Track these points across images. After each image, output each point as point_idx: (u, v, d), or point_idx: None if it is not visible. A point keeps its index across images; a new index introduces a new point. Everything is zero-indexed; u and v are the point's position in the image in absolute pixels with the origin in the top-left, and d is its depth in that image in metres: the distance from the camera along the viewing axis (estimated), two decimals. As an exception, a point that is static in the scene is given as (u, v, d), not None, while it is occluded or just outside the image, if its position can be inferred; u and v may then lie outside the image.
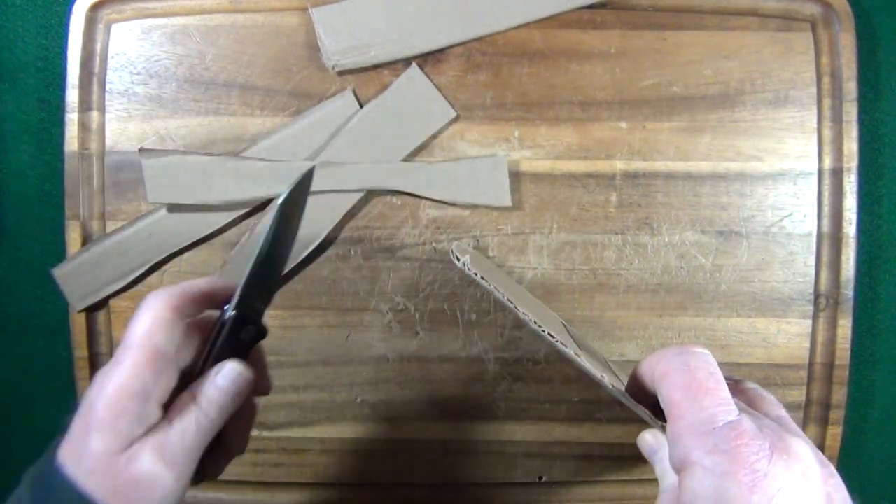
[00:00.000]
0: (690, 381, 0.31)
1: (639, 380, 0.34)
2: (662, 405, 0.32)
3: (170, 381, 0.33)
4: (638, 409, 0.34)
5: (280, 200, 0.36)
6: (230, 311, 0.35)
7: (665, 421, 0.32)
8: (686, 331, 0.52)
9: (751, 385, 0.37)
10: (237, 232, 0.51)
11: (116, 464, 0.31)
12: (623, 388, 0.36)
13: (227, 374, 0.34)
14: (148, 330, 0.33)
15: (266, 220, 0.41)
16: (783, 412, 0.34)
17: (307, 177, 0.38)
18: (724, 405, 0.30)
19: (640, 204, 0.51)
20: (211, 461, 0.35)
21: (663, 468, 0.34)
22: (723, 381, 0.31)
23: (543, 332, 0.38)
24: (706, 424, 0.29)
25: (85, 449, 0.31)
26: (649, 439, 0.37)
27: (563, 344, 0.37)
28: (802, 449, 0.29)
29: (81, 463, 0.31)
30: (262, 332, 0.36)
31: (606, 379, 0.37)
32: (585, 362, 0.37)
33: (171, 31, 0.51)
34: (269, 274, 0.36)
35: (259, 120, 0.51)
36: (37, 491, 0.31)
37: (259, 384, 0.36)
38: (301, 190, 0.37)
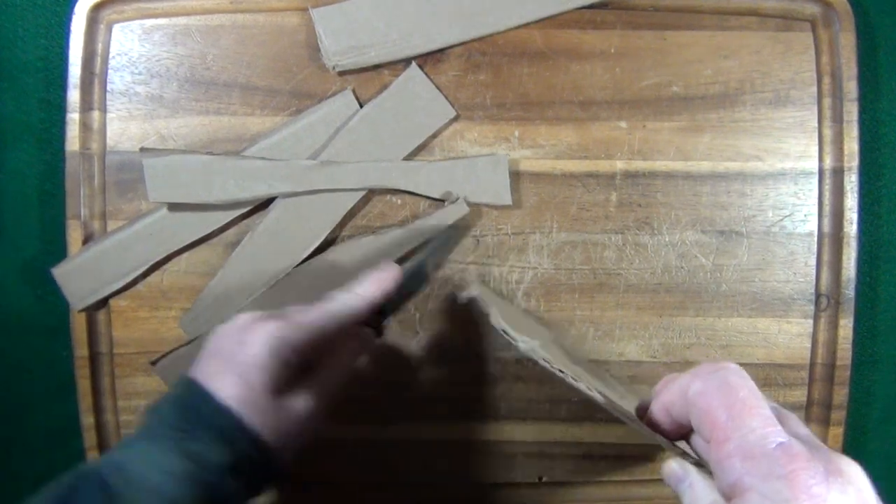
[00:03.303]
0: (733, 400, 0.29)
1: (660, 404, 0.33)
2: (699, 427, 0.30)
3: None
4: (656, 437, 0.32)
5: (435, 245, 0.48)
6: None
7: (680, 445, 0.30)
8: (686, 331, 0.51)
9: (772, 403, 0.36)
10: (237, 232, 0.51)
11: (277, 403, 0.36)
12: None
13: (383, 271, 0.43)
14: (337, 313, 0.40)
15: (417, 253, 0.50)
16: (807, 430, 0.32)
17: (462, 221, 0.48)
18: (771, 425, 0.28)
19: (640, 204, 0.51)
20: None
21: (693, 497, 0.31)
22: (764, 399, 0.29)
23: (600, 396, 0.36)
24: (756, 447, 0.27)
25: (244, 383, 0.35)
26: (675, 468, 0.33)
27: (603, 395, 0.35)
28: (853, 470, 0.28)
29: (243, 394, 0.35)
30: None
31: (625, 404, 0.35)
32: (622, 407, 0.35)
33: (173, 31, 0.51)
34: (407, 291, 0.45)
35: (259, 120, 0.51)
36: (191, 418, 0.35)
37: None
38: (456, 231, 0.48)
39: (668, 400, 0.32)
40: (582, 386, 0.35)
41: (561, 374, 0.36)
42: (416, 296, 0.49)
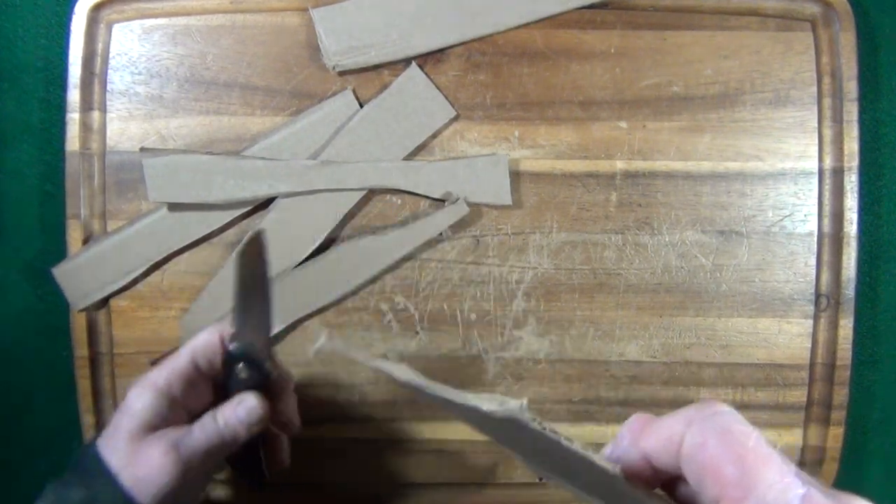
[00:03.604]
0: (742, 451, 0.25)
1: (639, 452, 0.28)
2: (700, 483, 0.25)
3: (201, 394, 0.40)
4: (634, 491, 0.27)
5: (236, 251, 0.43)
6: (229, 347, 0.40)
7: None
8: (686, 331, 0.51)
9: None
10: (237, 231, 0.51)
11: (137, 446, 0.37)
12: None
13: (244, 406, 0.39)
14: (193, 347, 0.40)
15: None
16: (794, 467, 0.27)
17: (260, 234, 0.42)
18: (788, 475, 0.24)
19: (640, 204, 0.51)
20: (262, 468, 0.43)
21: None
22: (769, 443, 0.25)
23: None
24: (779, 502, 0.24)
25: (115, 430, 0.38)
26: None
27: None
28: None
29: (110, 441, 0.38)
30: (263, 374, 0.40)
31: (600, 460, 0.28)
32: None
33: (173, 31, 0.51)
34: (255, 312, 0.41)
35: (259, 120, 0.51)
36: (73, 467, 0.38)
37: (281, 421, 0.42)
38: (255, 244, 0.41)
39: (651, 449, 0.27)
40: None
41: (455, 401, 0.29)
42: (268, 305, 0.42)
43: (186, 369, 0.39)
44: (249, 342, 0.40)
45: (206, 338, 0.40)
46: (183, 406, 0.39)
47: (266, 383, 0.40)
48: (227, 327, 0.41)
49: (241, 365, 0.40)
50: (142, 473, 0.37)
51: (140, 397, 0.38)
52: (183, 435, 0.38)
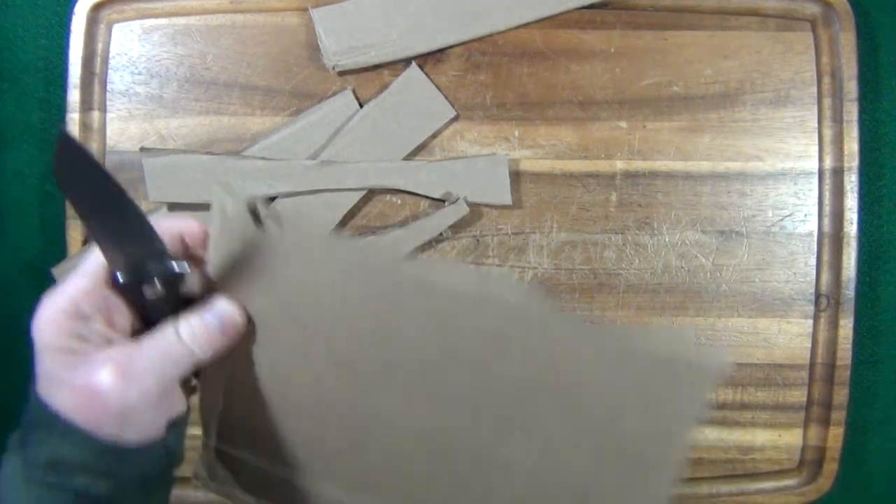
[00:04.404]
0: None
1: None
2: None
3: (112, 304, 0.32)
4: None
5: (55, 170, 0.31)
6: (118, 278, 0.32)
7: None
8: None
9: None
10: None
11: (73, 378, 0.31)
12: None
13: (216, 312, 0.33)
14: (88, 267, 0.32)
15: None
16: None
17: (63, 133, 0.31)
18: None
19: (640, 204, 0.51)
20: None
21: None
22: None
23: None
24: None
25: (42, 370, 0.32)
26: None
27: None
28: None
29: (43, 383, 0.32)
30: (174, 279, 0.32)
31: None
32: None
33: (173, 31, 0.51)
34: (113, 229, 0.32)
35: (259, 120, 0.51)
36: (24, 419, 0.33)
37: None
38: (66, 152, 0.31)
39: None
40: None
41: None
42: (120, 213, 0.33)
43: (89, 288, 0.32)
44: (138, 261, 0.32)
45: (92, 271, 0.32)
46: (105, 324, 0.32)
47: (180, 293, 0.33)
48: (98, 261, 0.32)
49: (146, 288, 0.32)
50: (96, 407, 0.31)
51: (44, 325, 0.31)
52: (129, 353, 0.31)
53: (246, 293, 0.34)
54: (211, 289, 0.35)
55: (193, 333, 0.32)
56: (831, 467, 0.51)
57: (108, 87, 0.51)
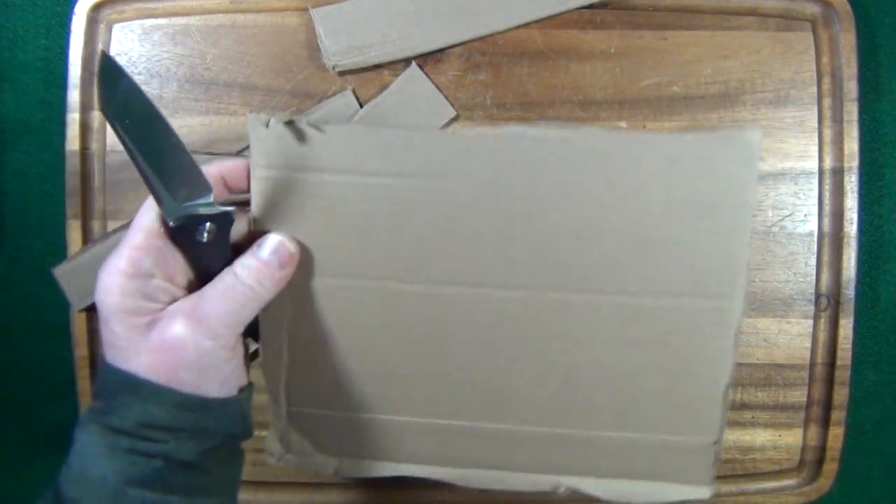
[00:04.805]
0: None
1: None
2: None
3: (169, 257, 0.33)
4: None
5: (103, 103, 0.32)
6: (172, 223, 0.33)
7: None
8: (686, 331, 0.51)
9: None
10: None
11: (147, 338, 0.31)
12: None
13: (268, 245, 0.34)
14: (141, 222, 0.33)
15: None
16: None
17: (107, 57, 0.32)
18: None
19: (641, 204, 0.51)
20: None
21: None
22: None
23: None
24: None
25: (111, 337, 0.32)
26: None
27: None
28: None
29: (114, 351, 0.32)
30: (226, 220, 0.33)
31: None
32: None
33: (172, 31, 0.51)
34: (171, 161, 0.33)
35: (259, 120, 0.51)
36: (99, 391, 0.33)
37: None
38: (108, 77, 0.32)
39: None
40: None
41: None
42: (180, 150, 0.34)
43: (145, 243, 0.32)
44: (190, 204, 0.32)
45: (146, 224, 0.32)
46: (166, 279, 0.32)
47: (229, 239, 0.34)
48: (153, 205, 0.33)
49: (199, 231, 0.32)
50: (175, 360, 0.31)
51: (109, 290, 0.31)
52: (195, 302, 0.32)
53: (295, 221, 0.36)
54: (258, 231, 0.35)
55: (251, 271, 0.33)
56: (831, 467, 0.51)
57: (108, 87, 0.51)
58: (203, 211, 0.33)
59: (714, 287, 0.37)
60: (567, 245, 0.36)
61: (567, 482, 0.40)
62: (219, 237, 0.33)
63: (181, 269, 0.33)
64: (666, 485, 0.39)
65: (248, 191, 0.36)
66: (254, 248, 0.34)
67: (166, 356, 0.31)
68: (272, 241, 0.34)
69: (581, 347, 0.38)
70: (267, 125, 0.35)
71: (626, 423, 0.39)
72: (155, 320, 0.32)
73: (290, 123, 0.35)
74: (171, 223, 0.32)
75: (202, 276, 0.34)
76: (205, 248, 0.33)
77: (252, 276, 0.33)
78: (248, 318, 0.33)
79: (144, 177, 0.32)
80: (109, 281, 0.31)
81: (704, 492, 0.40)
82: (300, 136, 0.35)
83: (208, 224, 0.33)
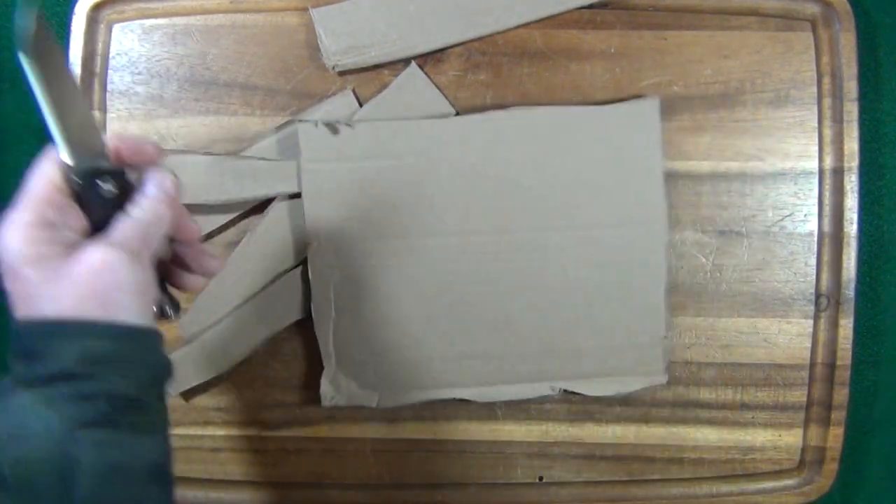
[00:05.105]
0: None
1: None
2: None
3: (71, 211, 0.33)
4: None
5: (24, 46, 0.31)
6: (74, 176, 0.33)
7: None
8: (686, 331, 0.51)
9: None
10: (237, 232, 0.51)
11: (68, 272, 0.31)
12: None
13: (152, 182, 0.35)
14: (41, 176, 0.33)
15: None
16: None
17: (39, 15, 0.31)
18: None
19: (641, 203, 0.51)
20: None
21: None
22: None
23: None
24: None
25: (21, 289, 0.31)
26: None
27: None
28: None
29: (31, 300, 0.31)
30: (126, 178, 0.34)
31: None
32: None
33: (173, 31, 0.51)
34: (76, 115, 0.33)
35: (259, 120, 0.51)
36: (16, 352, 0.31)
37: (183, 227, 0.37)
38: (41, 29, 0.31)
39: None
40: None
41: None
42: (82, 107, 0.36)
43: (48, 196, 0.32)
44: (91, 154, 0.33)
45: (47, 178, 0.32)
46: (72, 231, 0.32)
47: (131, 189, 0.34)
48: (53, 161, 0.33)
49: (98, 183, 0.33)
50: (102, 287, 0.31)
51: (15, 240, 0.31)
52: (107, 240, 0.32)
53: (337, 200, 0.49)
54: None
55: (144, 206, 0.34)
56: (831, 467, 0.51)
57: (108, 87, 0.51)
58: (103, 167, 0.34)
59: (644, 215, 0.49)
60: (537, 195, 0.49)
61: (559, 385, 0.51)
62: (118, 199, 0.34)
63: (81, 222, 0.33)
64: (632, 378, 0.50)
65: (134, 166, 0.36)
66: (138, 192, 0.35)
67: (97, 283, 0.31)
68: (152, 178, 0.35)
69: (557, 271, 0.50)
70: (316, 125, 0.48)
71: (596, 332, 0.50)
72: (71, 258, 0.31)
73: (329, 124, 0.49)
74: (74, 177, 0.33)
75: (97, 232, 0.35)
76: (104, 206, 0.34)
77: (148, 210, 0.34)
78: (155, 245, 0.34)
79: (51, 129, 0.32)
80: (14, 231, 0.31)
81: (661, 378, 0.50)
82: (335, 132, 0.48)
83: (111, 182, 0.34)
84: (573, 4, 0.50)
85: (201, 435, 0.52)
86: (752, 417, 0.52)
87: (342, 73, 0.51)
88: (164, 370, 0.34)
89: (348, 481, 0.53)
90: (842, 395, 0.51)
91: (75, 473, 0.29)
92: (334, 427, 0.52)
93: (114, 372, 0.31)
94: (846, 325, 0.51)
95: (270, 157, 0.50)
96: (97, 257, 0.31)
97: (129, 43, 0.51)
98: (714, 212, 0.51)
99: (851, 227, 0.51)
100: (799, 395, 0.52)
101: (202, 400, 0.52)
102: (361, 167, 0.49)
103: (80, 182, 0.33)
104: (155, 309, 0.37)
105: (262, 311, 0.50)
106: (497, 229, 0.49)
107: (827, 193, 0.51)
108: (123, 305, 0.31)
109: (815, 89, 0.51)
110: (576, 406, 0.52)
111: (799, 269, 0.51)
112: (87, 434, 0.30)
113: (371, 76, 0.51)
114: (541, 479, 0.53)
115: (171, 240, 0.37)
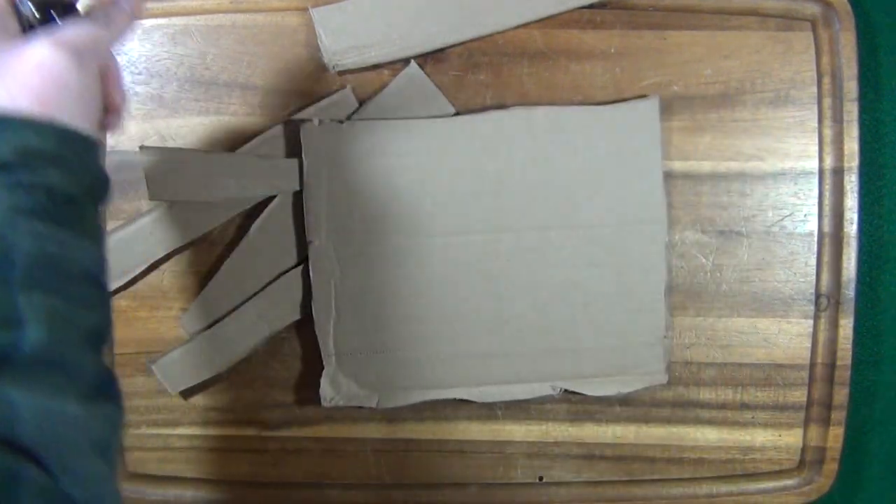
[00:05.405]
0: None
1: None
2: None
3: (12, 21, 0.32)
4: None
5: None
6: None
7: None
8: (686, 331, 0.51)
9: None
10: (237, 232, 0.51)
11: (4, 62, 0.30)
12: None
13: None
14: None
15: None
16: None
17: None
18: None
19: (641, 203, 0.51)
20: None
21: None
22: None
23: None
24: None
25: None
26: None
27: None
28: None
29: None
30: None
31: None
32: None
33: (173, 31, 0.51)
34: None
35: (259, 119, 0.51)
36: None
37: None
38: None
39: None
40: None
41: None
42: None
43: None
44: None
45: None
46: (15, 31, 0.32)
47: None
48: None
49: (52, 13, 0.33)
50: (48, 86, 0.30)
51: None
52: (52, 34, 0.31)
53: (339, 198, 0.49)
54: None
55: (102, 14, 0.34)
56: (831, 467, 0.51)
57: (109, 86, 0.51)
58: None
59: (643, 215, 0.49)
60: (537, 195, 0.49)
61: (559, 385, 0.50)
62: (40, 21, 0.33)
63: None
64: (632, 378, 0.50)
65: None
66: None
67: (38, 80, 0.30)
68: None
69: (557, 270, 0.50)
70: (317, 124, 0.49)
71: (596, 332, 0.50)
72: (15, 51, 0.30)
73: (329, 124, 0.49)
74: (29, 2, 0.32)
75: None
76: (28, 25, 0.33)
77: (106, 15, 0.34)
78: (104, 56, 0.33)
79: None
80: None
81: (661, 378, 0.50)
82: (335, 131, 0.49)
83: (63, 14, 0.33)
84: (573, 4, 0.51)
85: (201, 435, 0.52)
86: (752, 417, 0.52)
87: (342, 73, 0.51)
88: (103, 181, 0.33)
89: (348, 481, 0.53)
90: (842, 395, 0.51)
91: (13, 255, 0.28)
92: (334, 427, 0.52)
93: (52, 168, 0.30)
94: (846, 325, 0.51)
95: (271, 156, 0.50)
96: (43, 52, 0.30)
97: (128, 43, 0.51)
98: (714, 212, 0.51)
99: (851, 227, 0.51)
100: (799, 395, 0.52)
101: (202, 399, 0.52)
102: (362, 166, 0.49)
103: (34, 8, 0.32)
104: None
105: (262, 310, 0.50)
106: (497, 229, 0.49)
107: (827, 193, 0.51)
108: (65, 108, 0.30)
109: (815, 89, 0.51)
110: (576, 406, 0.52)
111: (799, 269, 0.51)
112: (26, 222, 0.29)
113: (371, 76, 0.51)
114: (541, 479, 0.53)
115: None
